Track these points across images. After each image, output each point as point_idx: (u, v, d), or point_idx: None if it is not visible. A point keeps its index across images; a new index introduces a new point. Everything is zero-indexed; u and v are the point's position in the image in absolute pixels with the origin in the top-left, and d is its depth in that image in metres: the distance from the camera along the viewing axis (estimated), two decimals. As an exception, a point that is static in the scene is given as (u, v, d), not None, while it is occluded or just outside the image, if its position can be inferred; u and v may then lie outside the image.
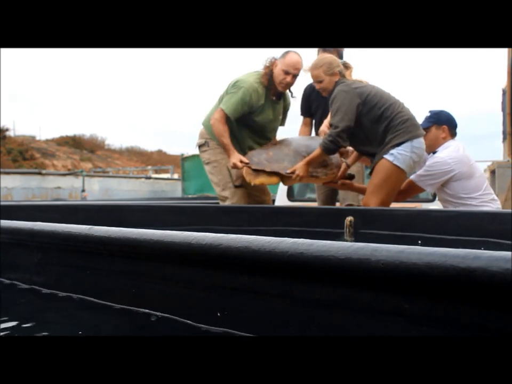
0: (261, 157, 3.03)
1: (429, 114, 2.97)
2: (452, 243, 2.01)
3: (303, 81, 3.62)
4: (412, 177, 2.81)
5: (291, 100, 3.20)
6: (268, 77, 2.97)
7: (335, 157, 2.92)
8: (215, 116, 3.01)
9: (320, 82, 2.76)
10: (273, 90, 3.00)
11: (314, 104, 3.33)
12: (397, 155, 2.62)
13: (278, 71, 2.92)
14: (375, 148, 2.70)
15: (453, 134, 2.92)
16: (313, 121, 3.40)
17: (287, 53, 2.92)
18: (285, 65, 2.90)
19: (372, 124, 2.68)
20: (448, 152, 2.79)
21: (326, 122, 3.09)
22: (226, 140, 3.01)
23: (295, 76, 2.93)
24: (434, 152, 2.85)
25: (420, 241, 2.08)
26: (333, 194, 3.33)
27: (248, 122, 3.07)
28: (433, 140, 2.87)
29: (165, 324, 0.90)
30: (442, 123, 2.88)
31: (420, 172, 2.82)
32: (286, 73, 2.90)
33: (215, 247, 0.79)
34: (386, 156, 2.63)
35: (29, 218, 1.40)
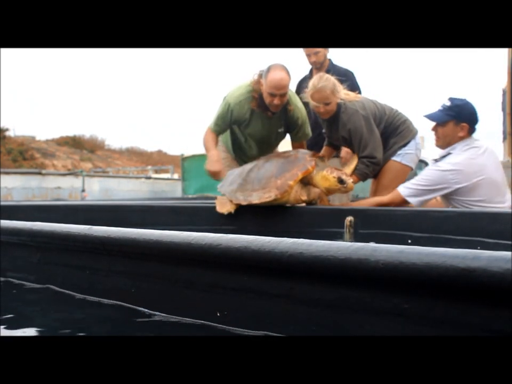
0: (228, 178, 2.87)
1: (448, 103, 2.45)
2: (451, 243, 2.01)
3: (296, 76, 3.51)
4: (401, 190, 2.49)
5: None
6: (258, 100, 2.75)
7: (281, 180, 2.54)
8: (205, 131, 2.96)
9: (327, 104, 2.66)
10: (265, 107, 2.78)
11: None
12: (404, 155, 2.73)
13: (264, 94, 2.70)
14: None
15: (471, 131, 2.48)
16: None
17: (268, 71, 2.65)
18: (268, 87, 2.64)
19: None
20: (451, 163, 2.39)
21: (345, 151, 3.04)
22: (210, 152, 2.90)
23: (283, 95, 2.68)
24: (436, 160, 2.50)
25: (409, 240, 2.08)
26: None
27: (244, 134, 2.99)
28: (449, 136, 2.46)
29: (164, 323, 0.90)
30: (463, 120, 2.43)
31: (408, 184, 2.49)
32: (272, 95, 2.66)
33: (215, 247, 0.79)
34: (394, 158, 2.72)
35: (28, 218, 1.40)
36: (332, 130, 2.84)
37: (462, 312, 0.60)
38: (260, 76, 2.74)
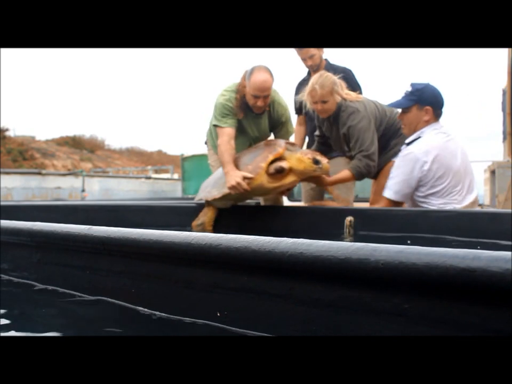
0: (202, 186, 2.86)
1: (410, 89, 2.43)
2: (451, 243, 2.01)
3: (294, 77, 3.50)
4: (386, 194, 2.42)
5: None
6: (240, 101, 2.73)
7: (252, 165, 2.52)
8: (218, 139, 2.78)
9: (324, 102, 2.65)
10: (248, 108, 2.76)
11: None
12: None
13: (248, 96, 2.70)
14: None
15: (437, 115, 2.42)
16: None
17: (251, 73, 2.65)
18: (251, 89, 2.64)
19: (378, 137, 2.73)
20: (423, 143, 2.32)
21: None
22: (225, 158, 2.68)
23: (266, 97, 2.68)
24: (408, 144, 2.42)
25: (409, 241, 2.08)
26: (320, 193, 3.29)
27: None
28: (413, 123, 2.42)
29: (164, 323, 0.90)
30: (426, 103, 2.38)
31: (388, 183, 2.41)
32: (255, 97, 2.66)
33: (215, 247, 0.79)
34: (395, 159, 2.71)
35: (28, 218, 1.40)
36: (333, 130, 2.83)
37: (462, 312, 0.60)
38: (243, 78, 2.73)
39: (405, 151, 2.40)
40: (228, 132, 2.75)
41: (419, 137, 2.40)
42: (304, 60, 3.23)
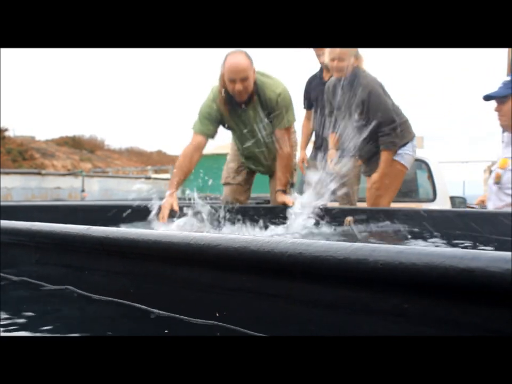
0: None
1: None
2: (451, 243, 2.01)
3: (302, 74, 3.49)
4: None
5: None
6: (223, 94, 2.61)
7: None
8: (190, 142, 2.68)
9: (342, 60, 2.62)
10: (233, 101, 2.64)
11: (313, 93, 3.24)
12: (404, 155, 2.73)
13: (226, 83, 2.57)
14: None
15: None
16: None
17: (225, 59, 2.54)
18: (226, 73, 2.52)
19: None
20: None
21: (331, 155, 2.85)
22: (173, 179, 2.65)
23: (243, 80, 2.51)
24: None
25: (407, 241, 2.08)
26: None
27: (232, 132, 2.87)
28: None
29: (163, 324, 0.90)
30: None
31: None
32: (232, 81, 2.52)
33: (214, 247, 0.79)
34: (394, 157, 2.71)
35: (28, 218, 1.39)
36: (345, 97, 2.74)
37: (462, 312, 0.60)
38: (222, 67, 2.60)
39: None
40: (196, 141, 2.64)
41: None
42: (318, 56, 3.22)
